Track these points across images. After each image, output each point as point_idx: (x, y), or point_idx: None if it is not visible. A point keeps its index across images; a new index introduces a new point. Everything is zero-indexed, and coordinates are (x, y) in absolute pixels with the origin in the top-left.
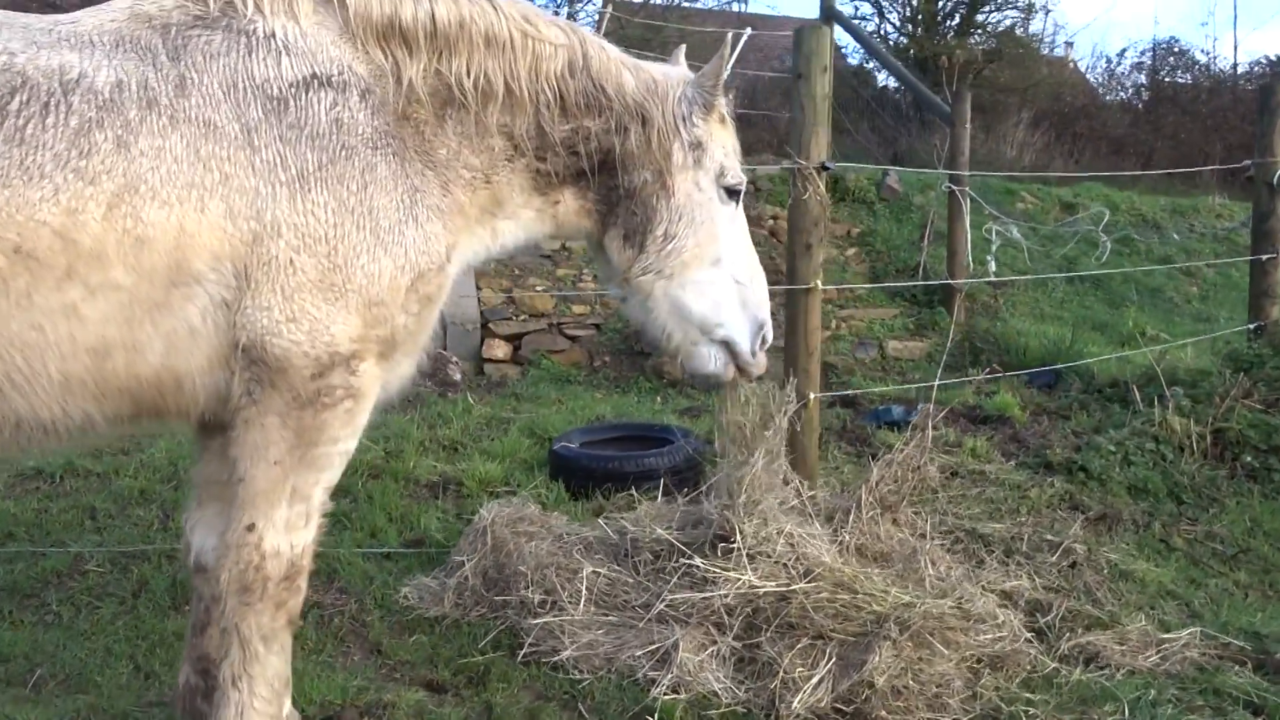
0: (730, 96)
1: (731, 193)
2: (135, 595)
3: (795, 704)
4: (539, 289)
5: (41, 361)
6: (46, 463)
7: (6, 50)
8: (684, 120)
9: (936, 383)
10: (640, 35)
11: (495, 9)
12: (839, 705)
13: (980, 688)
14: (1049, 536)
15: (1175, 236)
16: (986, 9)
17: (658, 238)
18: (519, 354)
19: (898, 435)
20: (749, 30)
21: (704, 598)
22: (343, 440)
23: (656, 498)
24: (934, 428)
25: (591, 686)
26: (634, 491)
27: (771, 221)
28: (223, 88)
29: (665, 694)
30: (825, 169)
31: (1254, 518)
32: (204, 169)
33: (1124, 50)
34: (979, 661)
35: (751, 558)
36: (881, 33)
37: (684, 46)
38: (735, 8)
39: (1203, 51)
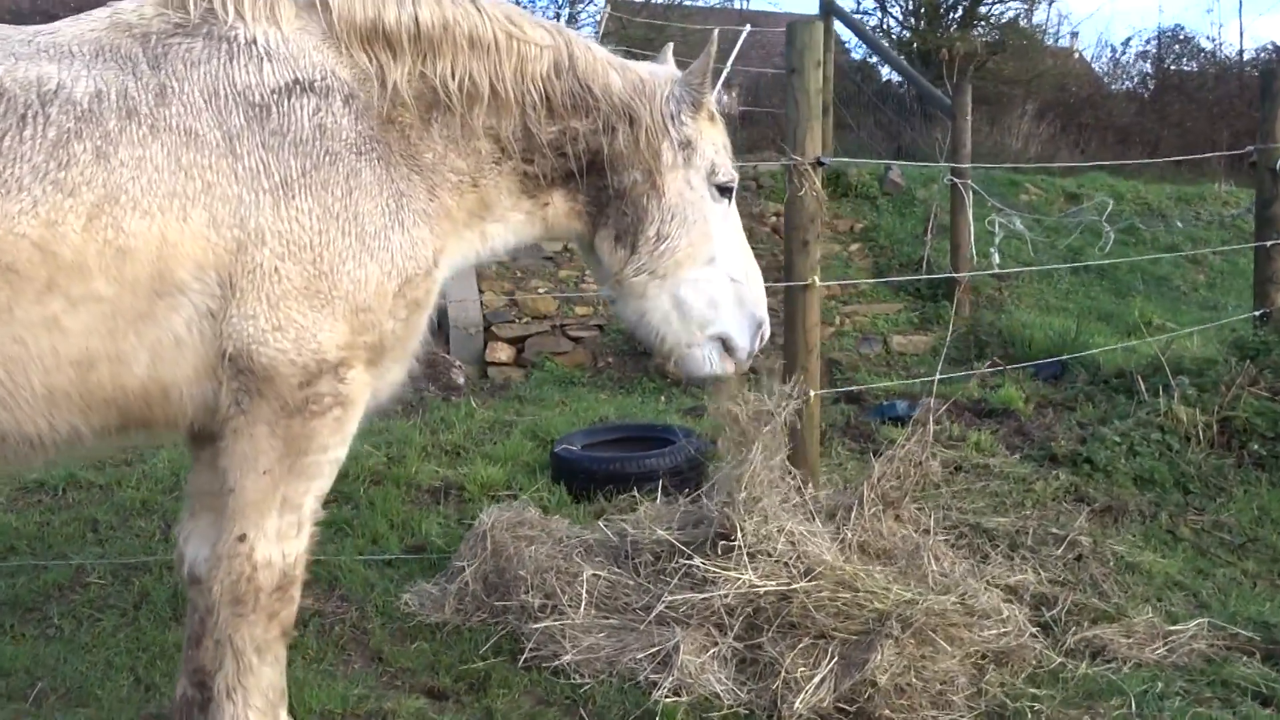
0: (734, 94)
1: (724, 190)
2: (136, 607)
3: (797, 704)
4: (541, 291)
5: (25, 375)
6: (49, 475)
7: None
8: (672, 119)
9: (937, 377)
10: (642, 35)
11: (479, 11)
12: (842, 705)
13: (985, 684)
14: (1054, 530)
15: (1179, 225)
16: (989, 1)
17: (650, 238)
18: (522, 356)
19: (902, 431)
20: (748, 27)
21: (704, 598)
22: (332, 448)
23: (658, 499)
24: (938, 422)
25: (593, 691)
26: (636, 493)
27: (774, 219)
28: (204, 95)
29: (667, 697)
30: (821, 164)
31: (1262, 506)
32: (186, 178)
33: (1129, 39)
34: (983, 657)
35: (752, 556)
36: (884, 26)
37: (671, 45)
38: (737, 5)
39: (1208, 38)
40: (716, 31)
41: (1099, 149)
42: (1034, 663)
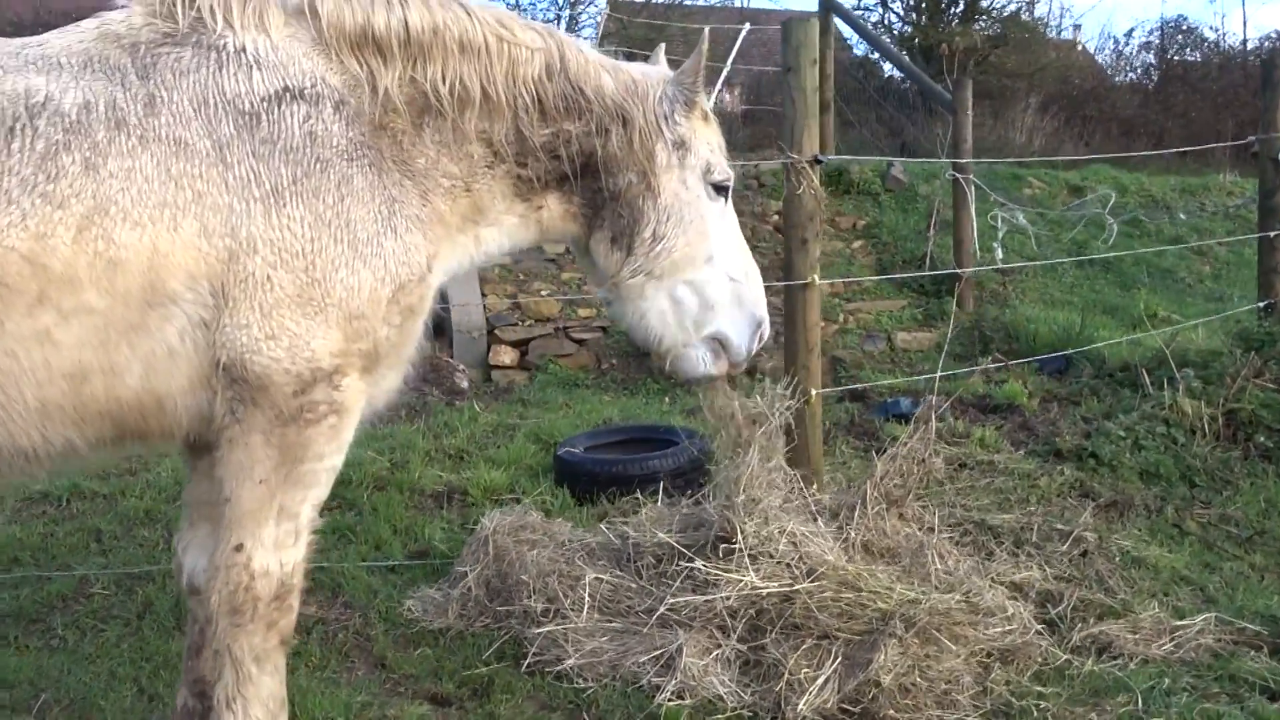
0: (735, 93)
1: (719, 189)
2: (140, 617)
3: (801, 706)
4: (544, 294)
5: (17, 389)
6: (53, 486)
7: None
8: (665, 119)
9: (939, 374)
10: (643, 35)
11: (469, 14)
12: (846, 706)
13: (990, 682)
14: (1059, 526)
15: (1182, 216)
16: None
17: (645, 239)
18: (526, 359)
19: (906, 428)
20: (746, 26)
21: (706, 601)
22: (328, 456)
23: (668, 499)
24: (942, 419)
25: (595, 695)
26: (639, 495)
27: (776, 217)
28: (193, 104)
29: (670, 700)
30: (819, 162)
31: (1268, 499)
32: (176, 188)
33: (1131, 30)
34: (989, 656)
35: (754, 558)
36: (885, 22)
37: (663, 46)
38: (738, 3)
39: (1211, 28)
40: (708, 30)
41: (1103, 141)
42: (1040, 660)
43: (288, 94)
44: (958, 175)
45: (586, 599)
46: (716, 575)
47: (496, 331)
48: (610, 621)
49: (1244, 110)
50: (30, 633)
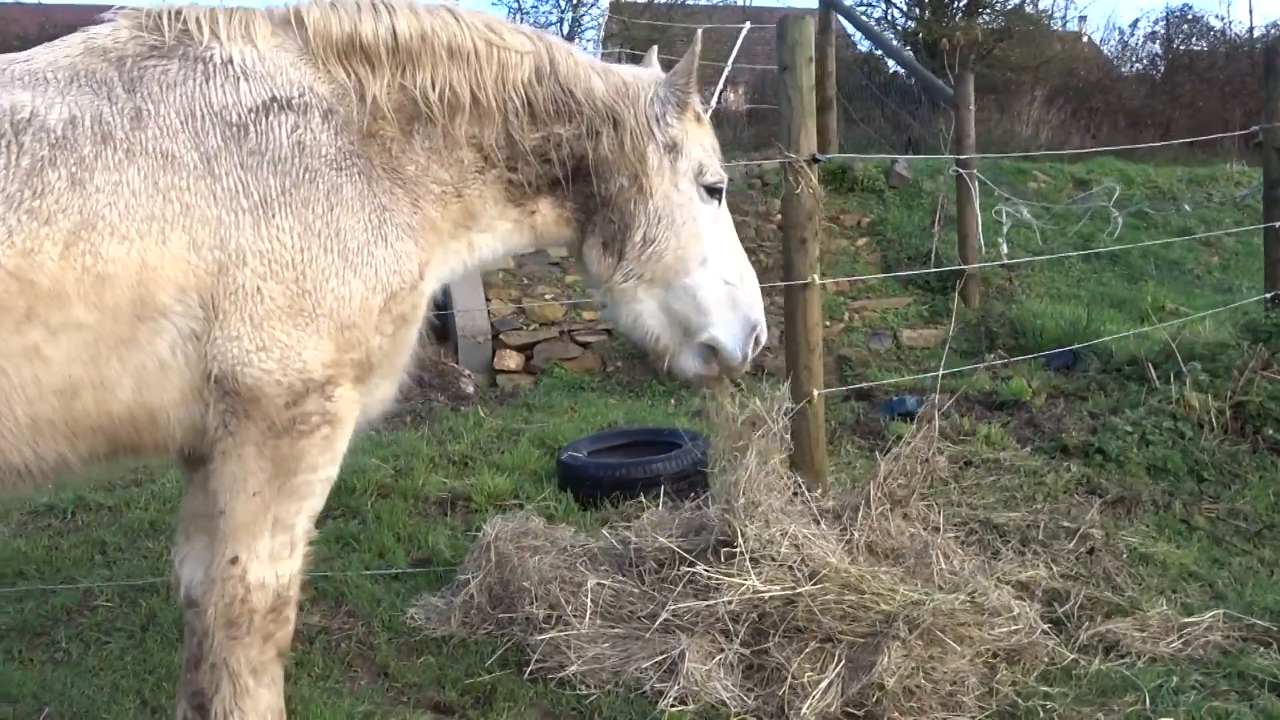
0: (739, 92)
1: (712, 191)
2: (144, 629)
3: (804, 709)
4: (548, 297)
5: (7, 405)
6: (58, 498)
7: None
8: (657, 121)
9: (941, 372)
10: (645, 36)
11: (457, 20)
12: (849, 709)
13: (996, 683)
14: (1066, 523)
15: (1186, 208)
16: None
17: (636, 243)
18: (531, 364)
19: (911, 427)
20: (747, 25)
21: (707, 605)
22: (322, 467)
23: (668, 503)
24: (947, 416)
25: (599, 701)
26: (643, 498)
27: (780, 217)
28: (180, 117)
29: (673, 705)
30: (816, 161)
31: (1277, 492)
32: (164, 201)
33: (1136, 20)
34: (994, 656)
35: (755, 561)
36: (889, 18)
37: (655, 48)
38: (740, 2)
39: (1217, 17)
40: (700, 31)
41: (1110, 133)
42: (1046, 660)
43: (275, 104)
44: (961, 171)
45: (589, 605)
46: (718, 580)
47: (501, 336)
48: (613, 627)
49: (1252, 99)
50: (34, 646)
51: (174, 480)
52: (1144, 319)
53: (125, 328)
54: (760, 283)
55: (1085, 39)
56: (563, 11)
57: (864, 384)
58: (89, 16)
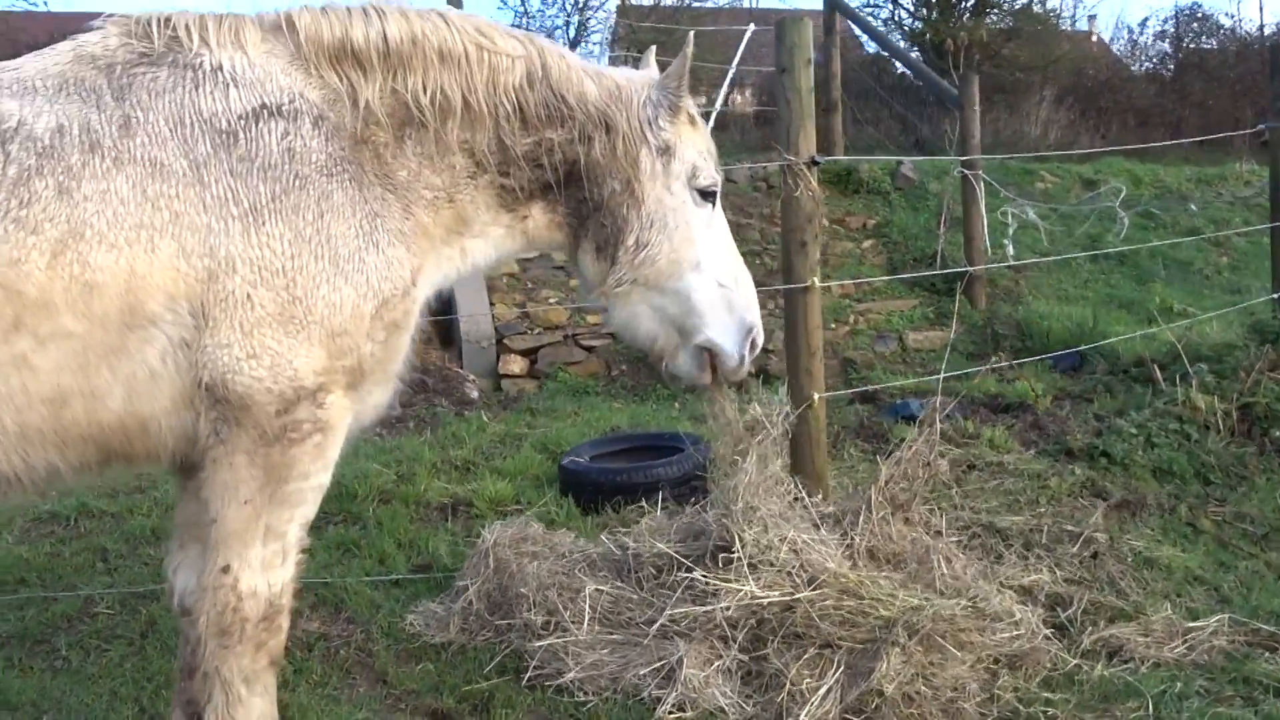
0: (747, 94)
1: (706, 194)
2: (143, 636)
3: (803, 716)
4: (552, 301)
5: None
6: (61, 505)
7: None
8: (650, 124)
9: (943, 374)
10: (652, 39)
11: (448, 24)
12: (848, 715)
13: (997, 689)
14: (1070, 527)
15: (1193, 208)
16: None
17: (629, 247)
18: (535, 368)
19: (914, 430)
20: (751, 27)
21: (706, 611)
22: (314, 475)
23: (667, 508)
24: (952, 419)
25: (596, 709)
26: (644, 503)
27: None
28: (169, 124)
29: (671, 712)
30: (815, 164)
31: None
32: (152, 209)
33: (1145, 19)
34: (996, 662)
35: (754, 567)
36: (896, 18)
37: (653, 49)
38: (746, 4)
39: (1227, 15)
40: (692, 34)
41: (1120, 132)
42: (1049, 665)
43: (265, 111)
44: (966, 172)
45: (587, 611)
46: (716, 585)
47: (505, 340)
48: (611, 633)
49: (1263, 98)
50: (34, 654)
51: (176, 487)
52: (1152, 320)
53: (115, 336)
54: (765, 286)
55: (1094, 38)
56: (569, 15)
57: (867, 387)
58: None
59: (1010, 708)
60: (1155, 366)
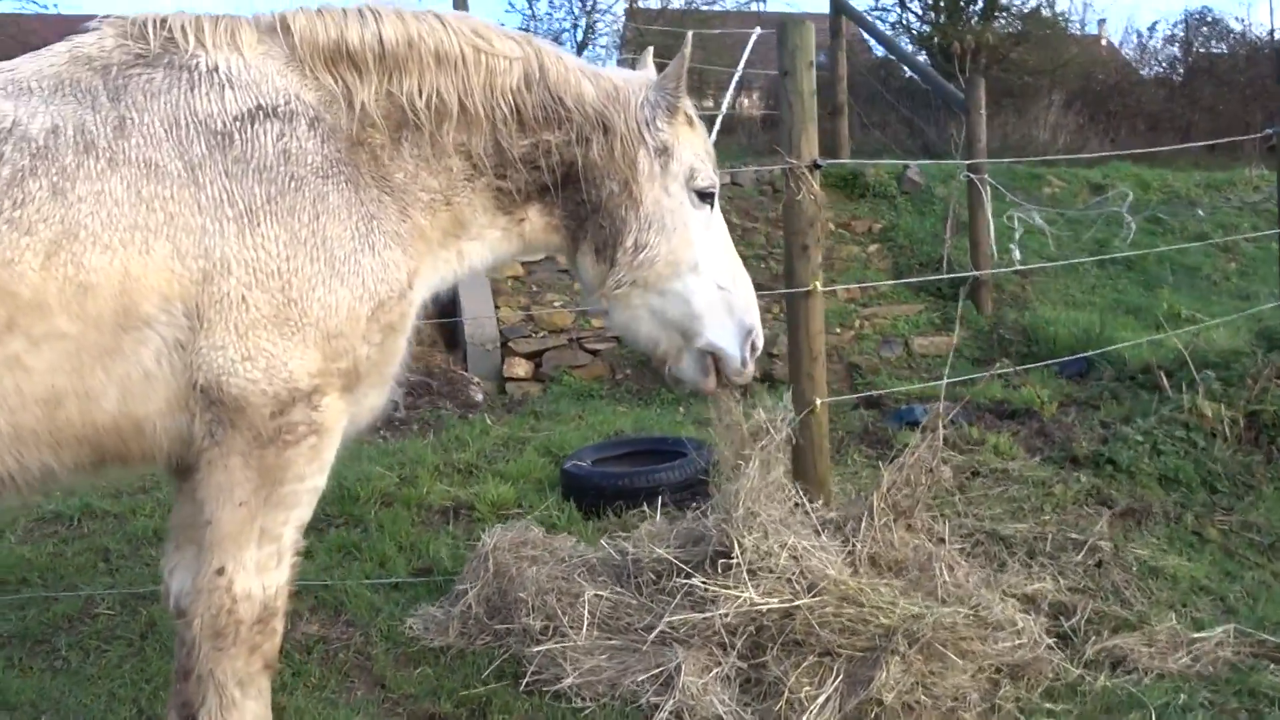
0: (754, 97)
1: (704, 196)
2: (143, 637)
3: None
4: (557, 305)
5: None
6: (65, 505)
7: None
8: (647, 125)
9: (945, 380)
10: (660, 42)
11: (444, 25)
12: None
13: (999, 699)
14: (1074, 535)
15: (1200, 213)
16: None
17: (628, 249)
18: (540, 371)
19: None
20: (757, 30)
21: (704, 618)
22: (310, 477)
23: (669, 512)
24: (957, 425)
25: (594, 715)
26: (645, 508)
27: None
28: (164, 126)
29: None
30: (818, 167)
31: None
32: (147, 210)
33: (1155, 23)
34: (998, 671)
35: (753, 573)
36: (904, 22)
37: (650, 50)
38: (754, 7)
39: (1237, 19)
40: (690, 34)
41: (1129, 137)
42: (1051, 675)
43: (260, 112)
44: (972, 176)
45: (586, 616)
46: (715, 591)
47: (510, 344)
48: (609, 639)
49: (1273, 102)
50: (34, 654)
51: (173, 489)
52: (1159, 326)
53: (109, 338)
54: (771, 290)
55: (1104, 42)
56: (576, 18)
57: (872, 392)
58: None
59: (1011, 718)
60: (1162, 373)
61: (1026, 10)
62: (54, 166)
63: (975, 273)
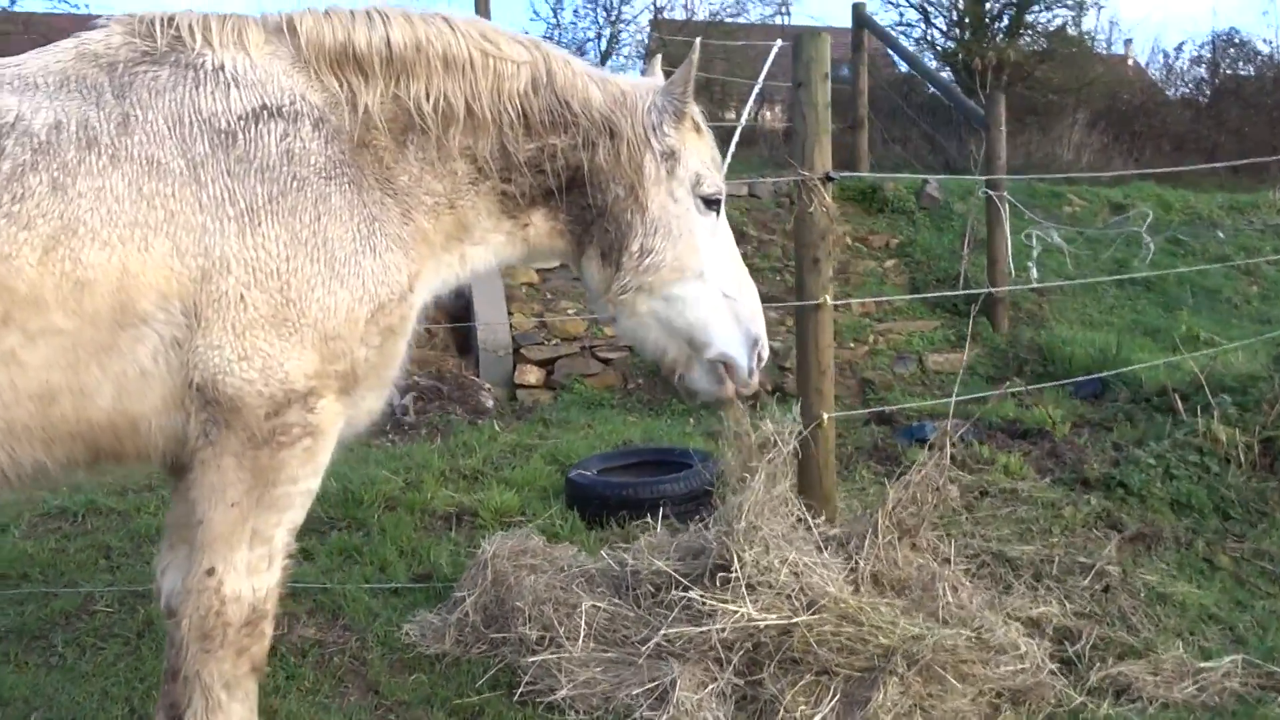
0: (775, 110)
1: (710, 203)
2: (139, 635)
3: None
4: (571, 312)
5: None
6: (70, 501)
7: None
8: (654, 130)
9: (955, 398)
10: (683, 53)
11: (453, 29)
12: None
13: None
14: (1082, 558)
15: (1220, 235)
16: (1035, 9)
17: (633, 254)
18: (552, 379)
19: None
20: (778, 43)
21: (701, 632)
22: (303, 480)
23: (671, 524)
24: (967, 444)
25: None
26: (650, 518)
27: None
28: (168, 123)
29: None
30: (830, 179)
31: None
32: (147, 207)
33: (1182, 44)
34: (998, 696)
35: (752, 588)
36: (929, 38)
37: (660, 56)
38: (778, 21)
39: (1265, 41)
40: (699, 41)
41: (1154, 158)
42: (1053, 702)
43: (265, 112)
44: (991, 192)
45: (582, 628)
46: (712, 605)
47: (522, 350)
48: (605, 651)
49: None
50: (31, 650)
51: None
52: (1176, 348)
53: (105, 334)
54: (786, 302)
55: (1130, 62)
56: (600, 28)
57: (882, 408)
58: None
59: None
60: (1177, 396)
61: (1052, 28)
62: (55, 161)
63: (991, 289)
